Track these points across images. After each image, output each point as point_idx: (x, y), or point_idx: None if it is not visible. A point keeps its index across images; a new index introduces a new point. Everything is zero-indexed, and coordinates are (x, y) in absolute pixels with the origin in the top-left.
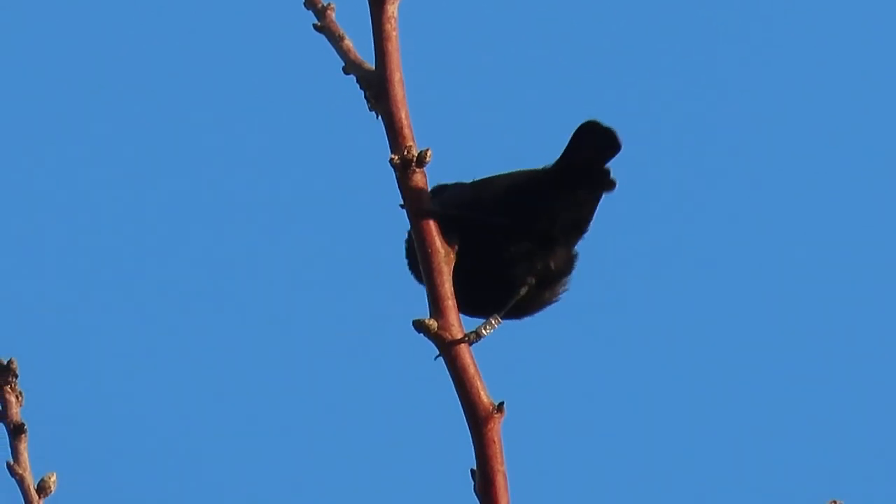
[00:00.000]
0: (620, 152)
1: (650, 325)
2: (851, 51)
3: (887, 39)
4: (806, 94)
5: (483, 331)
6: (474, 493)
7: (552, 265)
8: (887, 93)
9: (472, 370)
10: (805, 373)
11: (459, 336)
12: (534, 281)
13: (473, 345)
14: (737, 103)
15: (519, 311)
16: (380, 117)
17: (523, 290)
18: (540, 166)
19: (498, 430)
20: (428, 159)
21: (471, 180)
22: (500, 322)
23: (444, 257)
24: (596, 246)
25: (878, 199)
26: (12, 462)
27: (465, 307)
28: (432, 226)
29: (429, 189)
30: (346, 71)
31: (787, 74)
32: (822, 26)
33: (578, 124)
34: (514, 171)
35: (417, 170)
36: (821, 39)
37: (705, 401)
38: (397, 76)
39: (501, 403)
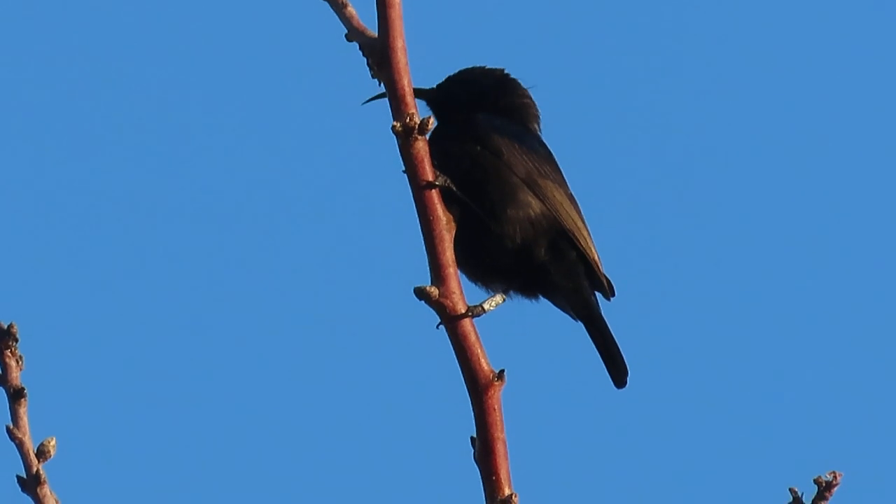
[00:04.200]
0: None
1: (652, 295)
2: (851, 51)
3: (887, 39)
4: (804, 94)
5: (486, 306)
6: (474, 461)
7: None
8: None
9: (472, 338)
10: (805, 371)
11: (460, 303)
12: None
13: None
14: (738, 102)
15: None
16: (382, 85)
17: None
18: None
19: (498, 397)
20: (430, 127)
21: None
22: (504, 300)
23: (446, 225)
24: (600, 221)
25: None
26: (12, 426)
27: (467, 271)
28: (434, 193)
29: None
30: (348, 38)
31: (785, 74)
32: (821, 26)
33: None
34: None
35: (419, 137)
36: (819, 39)
37: (703, 370)
38: (400, 44)
39: (502, 371)
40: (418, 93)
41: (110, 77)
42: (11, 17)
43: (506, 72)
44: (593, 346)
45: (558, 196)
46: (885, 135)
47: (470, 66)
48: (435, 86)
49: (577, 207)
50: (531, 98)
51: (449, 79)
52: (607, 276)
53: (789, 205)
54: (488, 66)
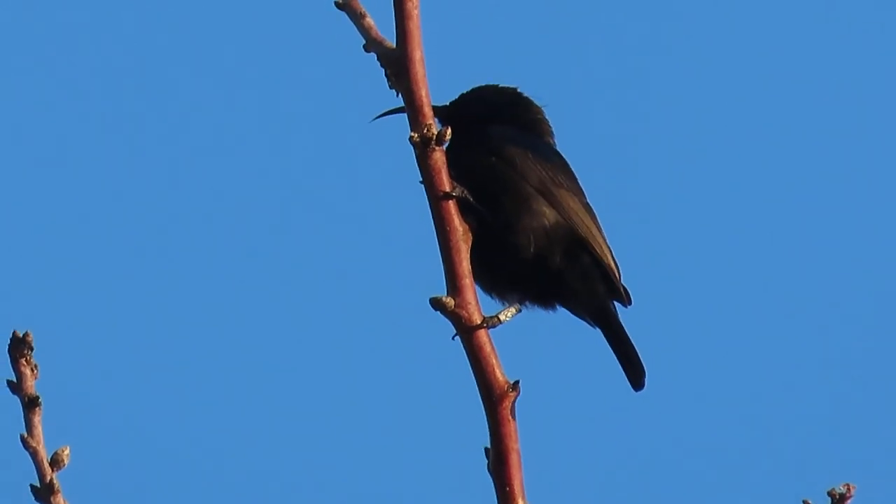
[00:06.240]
0: None
1: (666, 305)
2: (849, 51)
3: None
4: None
5: (502, 317)
6: (488, 472)
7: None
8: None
9: (487, 348)
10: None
11: (476, 314)
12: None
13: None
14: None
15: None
16: (400, 95)
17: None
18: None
19: (513, 408)
20: (447, 138)
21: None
22: (519, 311)
23: (462, 235)
24: (614, 227)
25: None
26: (26, 435)
27: (483, 283)
28: (451, 204)
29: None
30: (366, 49)
31: (784, 73)
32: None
33: None
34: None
35: (437, 148)
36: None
37: (717, 380)
38: (418, 54)
39: (517, 382)
40: (433, 110)
41: (133, 83)
42: (11, 16)
43: (519, 90)
44: (611, 352)
45: (573, 205)
46: None
47: (484, 83)
48: (448, 103)
49: (594, 216)
50: (544, 115)
51: (462, 96)
52: (625, 284)
53: (808, 212)
54: (501, 85)
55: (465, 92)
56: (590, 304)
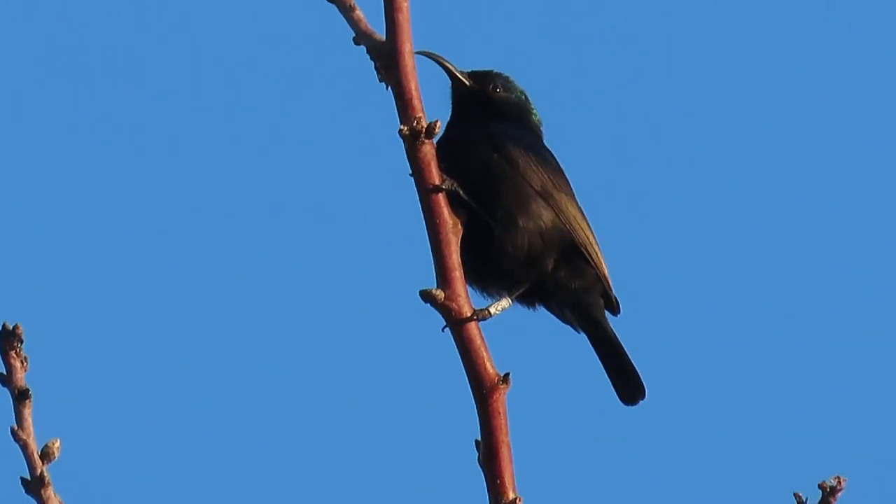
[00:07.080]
0: None
1: (654, 299)
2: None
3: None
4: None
5: (492, 310)
6: (478, 464)
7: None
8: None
9: (478, 341)
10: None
11: (466, 306)
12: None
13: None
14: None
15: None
16: (389, 88)
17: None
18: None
19: (503, 401)
20: (437, 130)
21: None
22: (510, 304)
23: (452, 228)
24: (605, 225)
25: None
26: (16, 427)
27: (471, 279)
28: (440, 197)
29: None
30: (356, 42)
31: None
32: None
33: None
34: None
35: (426, 141)
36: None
37: (706, 373)
38: (407, 47)
39: (507, 375)
40: (454, 75)
41: (125, 85)
42: (11, 16)
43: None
44: (599, 361)
45: (572, 209)
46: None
47: (507, 73)
48: (471, 76)
49: (588, 222)
50: (527, 95)
51: (492, 77)
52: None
53: (798, 216)
54: (517, 85)
55: (499, 75)
56: (587, 315)
